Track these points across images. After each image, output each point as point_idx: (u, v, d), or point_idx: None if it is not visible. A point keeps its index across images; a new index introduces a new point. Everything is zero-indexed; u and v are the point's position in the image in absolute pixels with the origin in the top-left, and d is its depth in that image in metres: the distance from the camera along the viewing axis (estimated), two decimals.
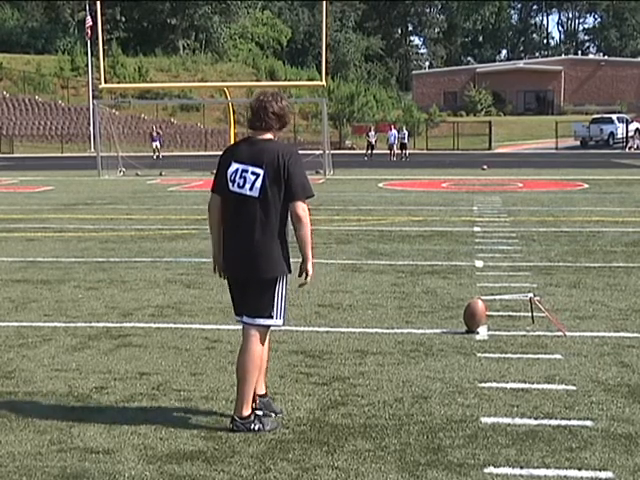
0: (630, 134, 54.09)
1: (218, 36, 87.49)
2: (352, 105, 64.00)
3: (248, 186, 4.91)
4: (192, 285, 9.63)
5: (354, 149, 58.66)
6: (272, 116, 5.01)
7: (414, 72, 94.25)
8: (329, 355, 6.60)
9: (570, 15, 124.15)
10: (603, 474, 4.34)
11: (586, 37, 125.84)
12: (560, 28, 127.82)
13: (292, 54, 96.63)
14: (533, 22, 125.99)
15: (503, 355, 6.55)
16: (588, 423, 5.06)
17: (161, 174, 33.24)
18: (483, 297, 8.12)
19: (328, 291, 9.15)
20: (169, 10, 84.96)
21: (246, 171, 4.93)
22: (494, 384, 5.81)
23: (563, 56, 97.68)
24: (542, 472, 4.36)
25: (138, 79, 69.88)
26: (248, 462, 4.52)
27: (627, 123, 54.71)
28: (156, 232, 14.47)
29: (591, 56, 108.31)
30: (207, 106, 66.45)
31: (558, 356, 6.50)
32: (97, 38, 33.81)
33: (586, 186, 24.33)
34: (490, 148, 56.49)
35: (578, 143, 55.77)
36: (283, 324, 5.13)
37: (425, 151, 56.10)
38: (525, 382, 5.85)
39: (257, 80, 75.37)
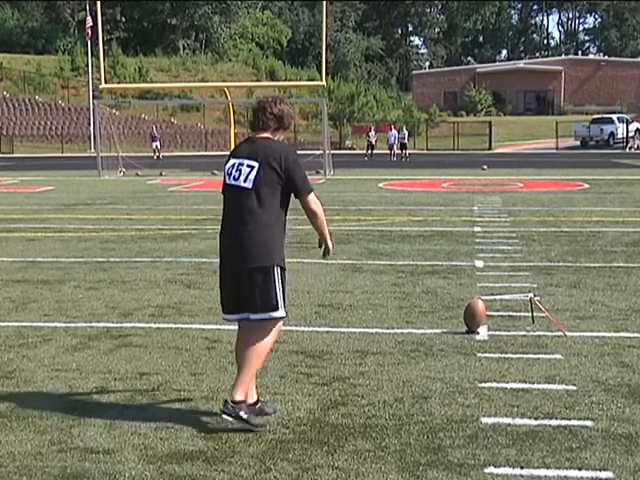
0: (630, 134, 54.13)
1: (218, 36, 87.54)
2: (352, 105, 64.04)
3: (242, 178, 4.99)
4: (192, 285, 9.63)
5: (354, 149, 58.69)
6: (270, 116, 5.09)
7: (414, 72, 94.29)
8: (329, 355, 6.60)
9: (570, 15, 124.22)
10: (603, 474, 4.34)
11: (586, 37, 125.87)
12: (560, 28, 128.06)
13: (292, 54, 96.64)
14: (533, 22, 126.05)
15: (503, 355, 6.55)
16: (588, 423, 5.06)
17: (161, 174, 33.24)
18: (483, 297, 8.11)
19: (328, 291, 9.15)
20: (169, 10, 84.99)
21: (242, 164, 5.03)
22: (494, 384, 5.81)
23: (563, 56, 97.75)
24: (542, 472, 4.36)
25: (138, 79, 69.94)
26: (248, 462, 4.52)
27: (627, 123, 54.74)
28: (156, 232, 14.47)
29: (591, 56, 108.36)
30: (207, 106, 66.49)
31: (558, 356, 6.50)
32: (97, 38, 33.81)
33: (586, 186, 24.33)
34: (490, 148, 56.52)
35: (578, 143, 55.81)
36: (286, 315, 5.12)
37: (425, 151, 56.13)
38: (525, 382, 5.85)
39: (257, 80, 75.48)
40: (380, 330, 7.40)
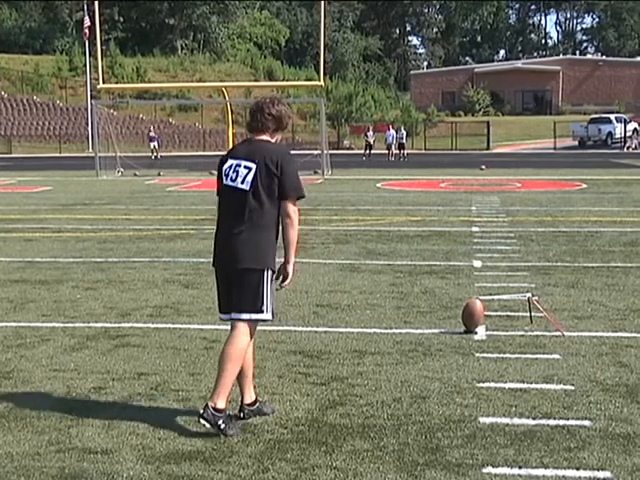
0: (628, 134, 54.16)
1: (216, 36, 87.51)
2: (350, 105, 64.03)
3: (240, 179, 4.99)
4: (190, 285, 9.62)
5: (352, 149, 58.69)
6: (268, 117, 5.08)
7: (412, 72, 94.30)
8: (327, 355, 6.60)
9: (568, 15, 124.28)
10: (601, 474, 4.35)
11: (584, 37, 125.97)
12: (558, 28, 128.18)
13: (290, 54, 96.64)
14: (531, 22, 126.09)
15: (501, 355, 6.55)
16: (586, 423, 5.06)
17: (159, 174, 33.25)
18: (481, 297, 8.11)
19: (326, 291, 9.15)
20: (167, 10, 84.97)
21: (239, 165, 5.02)
22: (492, 384, 5.82)
23: (561, 56, 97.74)
24: (540, 472, 4.36)
25: (136, 79, 69.92)
26: (246, 462, 4.52)
27: (625, 123, 54.77)
28: (154, 232, 14.46)
29: (589, 56, 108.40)
30: (205, 106, 66.46)
31: (556, 356, 6.51)
32: (95, 38, 33.83)
33: (584, 186, 24.35)
34: (488, 148, 56.54)
35: (576, 143, 55.83)
36: (273, 318, 5.10)
37: (423, 151, 56.16)
38: (523, 382, 5.85)
39: (255, 80, 75.43)
40: (378, 330, 7.40)
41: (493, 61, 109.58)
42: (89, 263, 11.24)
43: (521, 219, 15.84)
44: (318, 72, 39.94)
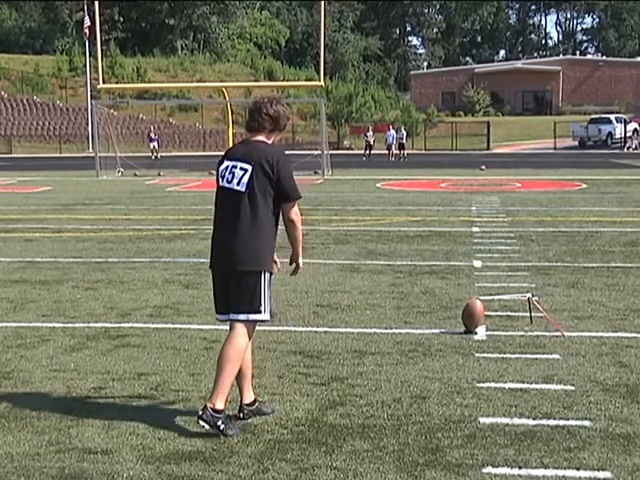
0: (628, 134, 54.16)
1: (216, 36, 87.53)
2: (350, 105, 64.02)
3: (236, 181, 4.99)
4: (190, 285, 9.63)
5: (352, 149, 58.69)
6: (265, 117, 5.08)
7: (412, 72, 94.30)
8: (327, 355, 6.60)
9: (568, 15, 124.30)
10: (601, 474, 4.34)
11: (584, 37, 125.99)
12: (558, 28, 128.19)
13: (290, 54, 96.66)
14: (531, 22, 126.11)
15: (501, 355, 6.55)
16: (586, 423, 5.06)
17: (159, 174, 33.25)
18: (481, 297, 8.11)
19: (326, 291, 9.15)
20: (167, 10, 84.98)
21: (235, 167, 5.03)
22: (492, 384, 5.81)
23: (561, 56, 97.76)
24: (540, 472, 4.36)
25: (136, 79, 69.91)
26: (246, 462, 4.52)
27: (625, 123, 54.78)
28: (154, 232, 14.46)
29: (589, 56, 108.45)
30: (205, 106, 66.46)
31: (556, 356, 6.51)
32: (95, 38, 33.82)
33: (584, 186, 24.35)
34: (488, 148, 56.54)
35: (576, 143, 55.82)
36: (271, 318, 5.11)
37: (423, 151, 56.14)
38: (523, 382, 5.85)
39: (255, 80, 75.45)
40: (378, 330, 7.40)
41: (493, 61, 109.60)
42: (89, 263, 11.24)
43: (521, 219, 15.84)
44: (318, 72, 39.94)
